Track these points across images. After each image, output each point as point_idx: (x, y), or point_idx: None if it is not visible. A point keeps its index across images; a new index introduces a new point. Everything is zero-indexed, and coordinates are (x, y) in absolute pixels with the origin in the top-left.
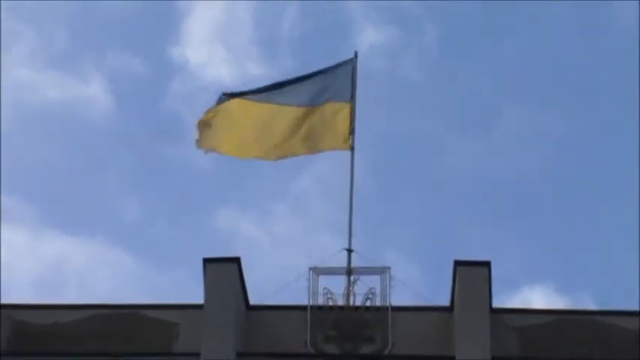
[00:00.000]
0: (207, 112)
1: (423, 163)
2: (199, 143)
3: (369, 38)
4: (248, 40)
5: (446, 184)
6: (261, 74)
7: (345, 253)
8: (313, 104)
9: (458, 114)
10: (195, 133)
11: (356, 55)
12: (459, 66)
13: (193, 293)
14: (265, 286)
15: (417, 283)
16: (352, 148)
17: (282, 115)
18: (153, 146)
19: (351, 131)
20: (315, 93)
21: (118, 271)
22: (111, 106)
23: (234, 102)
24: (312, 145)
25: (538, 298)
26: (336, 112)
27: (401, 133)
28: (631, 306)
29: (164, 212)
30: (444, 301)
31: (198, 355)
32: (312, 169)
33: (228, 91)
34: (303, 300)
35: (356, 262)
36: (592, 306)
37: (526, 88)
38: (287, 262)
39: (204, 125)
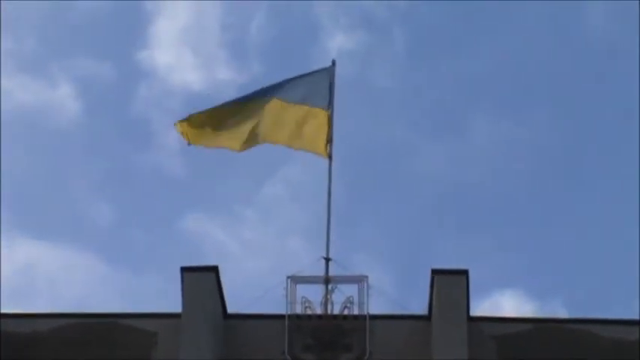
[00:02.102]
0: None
1: (394, 169)
2: (185, 137)
3: (338, 43)
4: (216, 43)
5: (418, 190)
6: (229, 79)
7: (322, 261)
8: (289, 100)
9: (429, 120)
10: (178, 128)
11: (334, 63)
12: (428, 71)
13: (165, 299)
14: (242, 294)
15: (394, 291)
16: (330, 157)
17: (259, 106)
18: (122, 151)
19: (329, 139)
20: (293, 90)
21: (88, 276)
22: (79, 111)
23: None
24: (292, 140)
25: (509, 303)
26: (314, 118)
27: (372, 139)
28: (603, 313)
29: (134, 217)
30: (422, 309)
31: None
32: (280, 174)
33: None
34: (280, 309)
35: (333, 271)
36: (562, 311)
37: (496, 92)
38: (261, 269)
39: (187, 123)
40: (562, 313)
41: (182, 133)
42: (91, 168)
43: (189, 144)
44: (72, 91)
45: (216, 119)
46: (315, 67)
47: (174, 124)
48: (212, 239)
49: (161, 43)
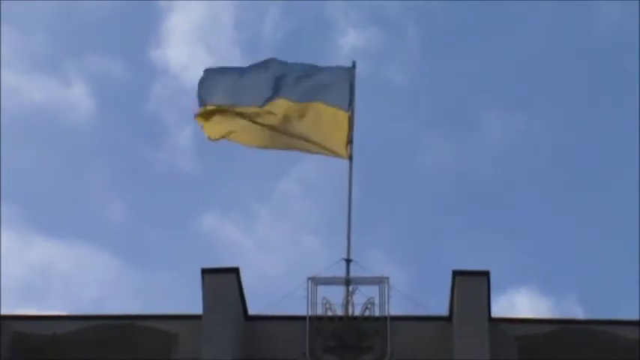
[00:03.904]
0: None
1: (409, 168)
2: (205, 132)
3: (351, 40)
4: (229, 41)
5: (433, 187)
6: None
7: (341, 262)
8: (302, 99)
9: (442, 116)
10: (198, 123)
11: (354, 65)
12: (441, 68)
13: (182, 298)
14: (261, 294)
15: (414, 292)
16: (350, 158)
17: (275, 109)
18: (136, 150)
19: (350, 140)
20: (306, 89)
21: (103, 275)
22: (93, 110)
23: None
24: (311, 144)
25: (524, 300)
26: (334, 119)
27: (386, 137)
28: (619, 310)
29: (149, 216)
30: (442, 310)
31: None
32: (294, 172)
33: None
34: (301, 310)
35: (353, 272)
36: (577, 309)
37: (508, 88)
38: (280, 269)
39: (207, 115)
40: (577, 311)
41: (203, 127)
42: (105, 166)
43: (209, 138)
44: (85, 89)
45: (232, 116)
46: (329, 65)
47: (195, 117)
48: (228, 238)
49: (174, 41)
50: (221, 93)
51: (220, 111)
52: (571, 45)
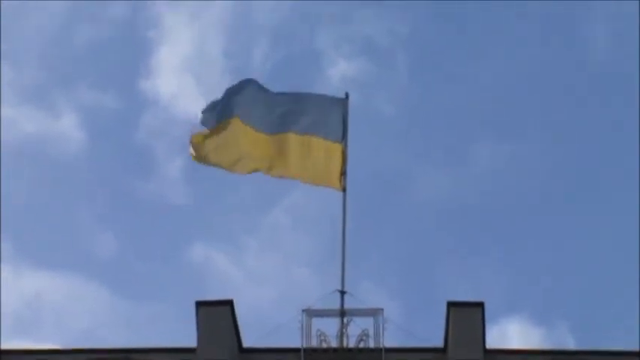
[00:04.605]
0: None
1: (400, 198)
2: (194, 157)
3: (340, 70)
4: (219, 71)
5: (424, 217)
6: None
7: (334, 293)
8: (298, 131)
9: (431, 146)
10: (189, 149)
11: (347, 96)
12: (430, 97)
13: (172, 328)
14: (255, 326)
15: (409, 323)
16: (344, 190)
17: (270, 139)
18: (126, 181)
19: (343, 172)
20: (300, 120)
21: (94, 306)
22: (84, 141)
23: (229, 122)
24: (306, 174)
25: (515, 329)
26: (328, 151)
27: (376, 167)
28: (608, 339)
29: (139, 248)
30: (438, 341)
31: None
32: (284, 203)
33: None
34: (295, 341)
35: (348, 304)
36: (569, 338)
37: (495, 117)
38: (272, 300)
39: (198, 140)
40: (569, 340)
41: (194, 147)
42: (95, 197)
43: (194, 159)
44: (76, 120)
45: (223, 141)
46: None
47: (191, 136)
48: (218, 269)
49: (164, 71)
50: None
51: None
52: (558, 72)
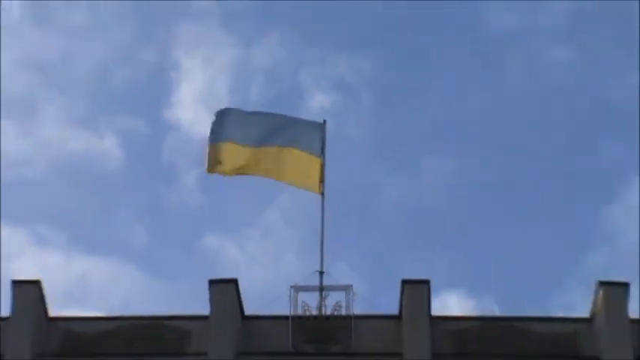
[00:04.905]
0: (212, 147)
1: (368, 201)
2: (209, 168)
3: (319, 102)
4: (225, 103)
5: (386, 216)
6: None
7: (317, 274)
8: (281, 144)
9: (391, 160)
10: (204, 162)
11: (325, 122)
12: (389, 123)
13: (191, 301)
14: (254, 299)
15: (373, 296)
16: (322, 194)
17: (262, 152)
18: (154, 188)
19: (322, 180)
20: (284, 136)
21: (129, 283)
22: (121, 158)
23: (228, 145)
24: (290, 178)
25: (454, 301)
26: (309, 162)
27: (348, 177)
28: (532, 310)
29: (165, 238)
30: (394, 310)
31: (205, 354)
32: (275, 204)
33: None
34: (285, 311)
35: (326, 281)
36: (494, 307)
37: (442, 137)
38: (267, 279)
39: (212, 155)
40: (494, 309)
41: (209, 157)
42: (131, 201)
43: (208, 171)
44: (115, 141)
45: (231, 154)
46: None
47: (208, 145)
48: (226, 255)
49: (183, 104)
50: (231, 131)
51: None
52: (489, 99)
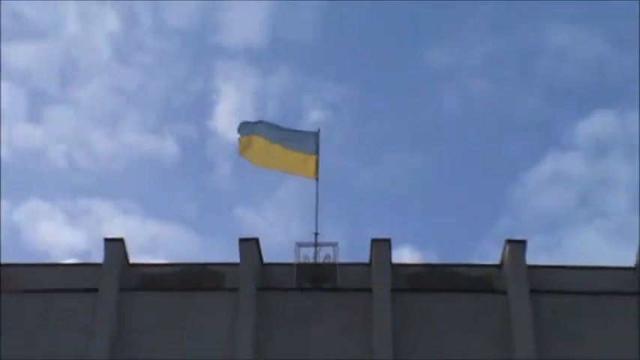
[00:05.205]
0: (243, 139)
1: (347, 184)
2: (241, 153)
3: (314, 117)
4: (249, 117)
5: (360, 198)
6: None
7: (313, 235)
8: (288, 147)
9: (364, 157)
10: (237, 148)
11: (319, 131)
12: (363, 131)
13: (226, 253)
14: (271, 252)
15: (352, 251)
16: (317, 179)
17: (274, 149)
18: (200, 176)
19: (316, 169)
20: (291, 142)
21: (185, 241)
22: (177, 155)
23: (255, 138)
24: (292, 168)
25: (407, 252)
26: (306, 158)
27: (335, 169)
28: (460, 258)
29: (209, 209)
30: (366, 259)
31: (236, 290)
32: (284, 186)
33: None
34: (291, 260)
35: (319, 239)
36: (435, 257)
37: (403, 140)
38: (281, 238)
39: (243, 145)
40: (435, 258)
41: (241, 145)
42: (185, 184)
43: (240, 155)
44: (173, 142)
45: (254, 146)
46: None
47: (238, 138)
48: (250, 222)
49: (220, 117)
50: (258, 130)
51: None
52: (432, 116)
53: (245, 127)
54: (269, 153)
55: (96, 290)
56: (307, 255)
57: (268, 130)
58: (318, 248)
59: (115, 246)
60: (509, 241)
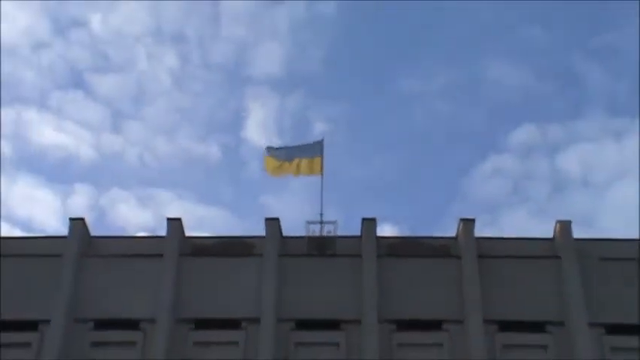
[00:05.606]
0: (267, 158)
1: (343, 177)
2: (265, 169)
3: (319, 128)
4: (271, 133)
5: (350, 185)
6: (281, 143)
7: (319, 215)
8: (300, 157)
9: (356, 157)
10: (263, 164)
11: (323, 139)
12: (353, 141)
13: (255, 229)
14: (290, 227)
15: (348, 227)
16: (322, 175)
17: (283, 164)
18: (236, 176)
19: (321, 168)
20: (301, 153)
21: (223, 220)
22: (219, 158)
23: (268, 159)
24: (305, 171)
25: (388, 227)
26: (313, 161)
27: (335, 170)
28: (426, 231)
29: (242, 197)
30: (358, 233)
31: (262, 255)
32: (297, 180)
33: (271, 146)
34: (303, 233)
35: (324, 218)
36: (408, 231)
37: (387, 147)
38: (296, 218)
39: (268, 162)
40: (407, 231)
41: (266, 164)
42: (225, 178)
43: (266, 171)
44: (216, 148)
45: (273, 163)
46: (312, 140)
47: (264, 157)
48: (273, 207)
49: (250, 129)
50: (277, 152)
51: (273, 161)
52: (405, 130)
53: (266, 150)
54: (279, 168)
55: (161, 256)
56: (314, 230)
57: (278, 153)
58: (322, 225)
59: (174, 223)
60: (462, 219)
